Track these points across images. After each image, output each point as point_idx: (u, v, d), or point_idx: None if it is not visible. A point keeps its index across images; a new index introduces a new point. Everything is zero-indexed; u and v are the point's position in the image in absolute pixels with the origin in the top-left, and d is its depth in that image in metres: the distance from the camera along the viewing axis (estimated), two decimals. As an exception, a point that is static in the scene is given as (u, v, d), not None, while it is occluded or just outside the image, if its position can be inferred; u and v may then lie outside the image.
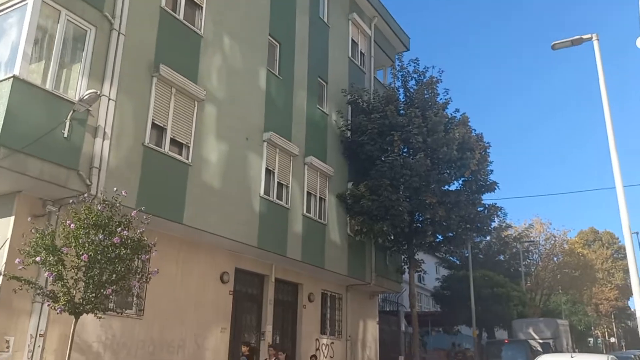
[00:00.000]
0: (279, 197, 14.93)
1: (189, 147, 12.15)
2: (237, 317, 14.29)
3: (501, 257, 39.37)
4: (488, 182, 18.02)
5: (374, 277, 18.86)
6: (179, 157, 11.93)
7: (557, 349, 27.21)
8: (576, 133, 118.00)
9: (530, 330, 28.88)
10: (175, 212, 11.45)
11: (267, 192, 14.38)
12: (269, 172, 14.64)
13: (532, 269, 41.66)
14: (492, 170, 18.14)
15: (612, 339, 76.06)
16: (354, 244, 17.97)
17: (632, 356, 23.04)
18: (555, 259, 44.65)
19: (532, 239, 40.57)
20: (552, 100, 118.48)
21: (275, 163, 14.84)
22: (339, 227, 17.39)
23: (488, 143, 17.83)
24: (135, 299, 10.80)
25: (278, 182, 14.88)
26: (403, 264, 19.05)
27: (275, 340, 15.82)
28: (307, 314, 16.76)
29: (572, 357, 10.64)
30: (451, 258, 36.72)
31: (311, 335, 16.82)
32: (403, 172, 16.32)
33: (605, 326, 73.76)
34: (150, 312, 11.41)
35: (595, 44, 13.19)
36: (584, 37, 13.33)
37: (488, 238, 38.07)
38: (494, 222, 18.39)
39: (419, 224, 17.50)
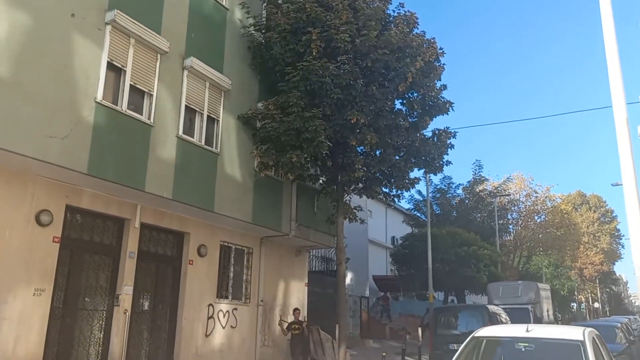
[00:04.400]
0: (136, 108, 10.61)
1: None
2: (71, 274, 10.13)
3: (477, 216, 35.50)
4: (440, 101, 13.72)
5: (294, 227, 14.71)
6: None
7: (537, 316, 23.48)
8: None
9: (507, 295, 25.03)
10: None
11: (110, 97, 10.05)
12: (116, 70, 10.28)
13: (510, 228, 37.85)
14: (445, 86, 13.82)
15: (596, 305, 73.70)
16: (264, 184, 13.75)
17: (619, 324, 18.99)
18: (537, 217, 40.80)
19: (510, 195, 36.61)
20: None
21: (128, 59, 10.43)
22: (241, 159, 13.11)
23: (442, 50, 13.45)
24: None
25: (133, 86, 10.51)
26: (333, 210, 14.72)
27: (143, 306, 11.74)
28: (195, 272, 12.63)
29: (528, 330, 6.64)
30: (417, 213, 32.78)
31: (201, 300, 12.72)
32: (321, 82, 11.98)
33: (589, 291, 71.04)
34: None
35: None
36: None
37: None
38: (447, 154, 14.08)
39: (344, 155, 13.18)
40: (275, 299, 15.36)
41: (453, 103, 13.98)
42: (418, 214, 32.81)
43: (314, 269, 21.39)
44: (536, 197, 39.99)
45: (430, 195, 34.56)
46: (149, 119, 10.69)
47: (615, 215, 72.56)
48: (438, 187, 34.31)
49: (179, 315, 12.20)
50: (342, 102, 12.32)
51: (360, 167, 12.68)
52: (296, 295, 16.35)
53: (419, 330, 27.61)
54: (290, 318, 15.21)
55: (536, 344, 6.53)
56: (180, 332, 12.10)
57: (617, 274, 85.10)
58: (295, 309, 14.71)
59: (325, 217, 15.57)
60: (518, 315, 19.45)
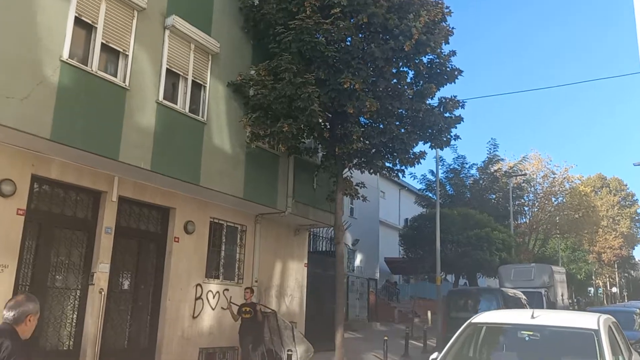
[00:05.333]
0: (109, 69, 9.71)
1: None
2: (39, 250, 9.35)
3: (492, 197, 34.27)
4: (447, 69, 12.62)
5: (290, 204, 13.80)
6: None
7: (551, 300, 22.42)
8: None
9: (519, 278, 23.93)
10: None
11: (78, 56, 9.15)
12: (85, 26, 9.36)
13: (527, 209, 36.50)
14: (454, 52, 12.68)
15: (614, 289, 72.16)
16: (257, 157, 12.84)
17: (637, 310, 17.87)
18: (554, 199, 39.36)
19: (526, 174, 35.18)
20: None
21: (99, 14, 9.49)
22: (231, 130, 12.19)
23: (448, 8, 12.27)
24: None
25: (106, 45, 9.60)
26: (333, 186, 13.72)
27: (122, 286, 10.97)
28: (181, 250, 11.81)
29: (533, 316, 5.68)
30: (429, 194, 31.68)
31: (188, 280, 11.92)
32: (314, 43, 10.96)
33: (607, 275, 69.46)
34: None
35: None
36: None
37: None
38: (455, 127, 12.98)
39: (343, 126, 12.15)
40: (271, 280, 14.52)
41: (462, 71, 12.86)
42: (430, 195, 31.66)
43: (319, 249, 20.52)
44: (554, 178, 38.55)
45: (442, 175, 33.51)
46: (124, 81, 9.77)
47: (636, 199, 70.71)
48: (451, 167, 33.12)
49: (163, 295, 11.41)
50: (338, 65, 11.27)
51: (358, 137, 11.64)
52: (294, 276, 15.51)
53: (428, 313, 26.90)
54: (291, 301, 14.41)
55: (543, 332, 5.58)
56: (164, 314, 11.32)
57: (637, 259, 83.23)
58: (247, 288, 12.31)
59: (325, 194, 14.64)
60: (530, 300, 18.45)
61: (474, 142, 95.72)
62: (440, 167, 33.15)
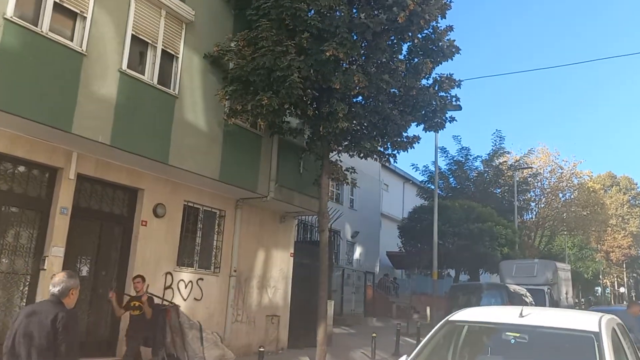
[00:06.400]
0: (62, 31, 8.76)
1: None
2: (-20, 230, 8.46)
3: (497, 191, 33.17)
4: (444, 45, 11.56)
5: (273, 188, 12.84)
6: None
7: (554, 298, 21.38)
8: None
9: (521, 274, 22.87)
10: None
11: (27, 15, 8.21)
12: (33, -19, 8.43)
13: (533, 205, 35.33)
14: (451, 27, 11.61)
15: (622, 289, 70.82)
16: (237, 136, 11.88)
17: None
18: (561, 195, 38.12)
19: (532, 168, 34.00)
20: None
21: (52, -30, 8.56)
22: (207, 105, 11.22)
23: (446, -24, 11.21)
24: None
25: (59, 4, 8.64)
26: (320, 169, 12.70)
27: (81, 272, 10.08)
28: (149, 235, 10.88)
29: (522, 314, 4.68)
30: (431, 186, 30.58)
31: (157, 267, 10.99)
32: (295, 9, 9.94)
33: (615, 275, 68.09)
34: None
35: None
36: None
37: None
38: (451, 108, 11.94)
39: (329, 103, 11.10)
40: (252, 270, 13.59)
41: (460, 48, 11.81)
42: (432, 187, 30.62)
43: (310, 239, 19.55)
44: (561, 173, 37.29)
45: (446, 167, 32.44)
46: (80, 46, 8.82)
47: (646, 198, 69.29)
48: (455, 158, 32.04)
49: (127, 283, 10.48)
50: (323, 34, 10.25)
51: (344, 115, 10.61)
52: (279, 266, 14.56)
53: (427, 309, 25.90)
54: (274, 293, 13.47)
55: (532, 334, 4.59)
56: (128, 303, 10.39)
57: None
58: (137, 277, 9.18)
59: (313, 179, 13.64)
60: (532, 297, 17.49)
61: (479, 134, 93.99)
62: (443, 159, 32.17)
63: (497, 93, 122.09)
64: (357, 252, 32.28)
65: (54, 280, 4.37)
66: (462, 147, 31.98)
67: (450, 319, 5.27)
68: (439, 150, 31.18)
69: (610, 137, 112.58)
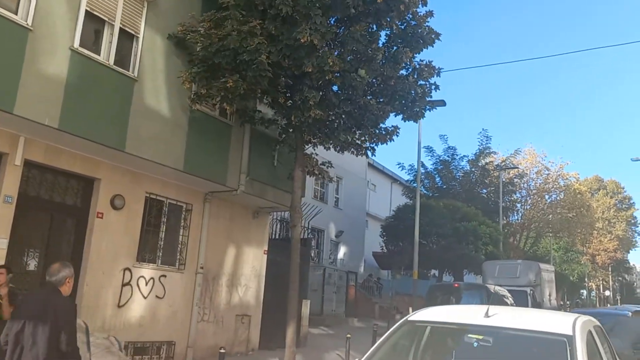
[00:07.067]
0: (6, 4, 8.05)
1: None
2: None
3: (483, 192, 32.73)
4: (423, 31, 10.97)
5: (244, 182, 12.18)
6: None
7: (537, 300, 20.88)
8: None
9: (504, 275, 22.36)
10: None
11: (-38, -17, 7.53)
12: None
13: (519, 206, 34.94)
14: (431, 13, 11.03)
15: (607, 292, 70.85)
16: (203, 125, 11.23)
17: (629, 314, 16.24)
18: (547, 197, 37.74)
19: (518, 169, 33.60)
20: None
21: None
22: (171, 90, 10.54)
23: (425, -41, 10.63)
24: None
25: (0, -27, 7.96)
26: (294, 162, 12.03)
27: (27, 266, 9.36)
28: (105, 228, 10.17)
29: (488, 314, 4.06)
30: (416, 185, 30.04)
31: (114, 263, 10.29)
32: (263, -12, 9.31)
33: (600, 278, 68.05)
34: None
35: None
36: None
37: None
38: (430, 96, 11.37)
39: (299, 89, 10.44)
40: (221, 267, 12.92)
41: (440, 34, 11.25)
42: (417, 186, 30.10)
43: (288, 236, 18.90)
44: (547, 174, 36.93)
45: (432, 166, 31.95)
46: (25, 20, 8.13)
47: (633, 202, 69.41)
48: (441, 157, 31.54)
49: (80, 279, 9.78)
50: (295, 16, 9.61)
51: (315, 103, 9.98)
52: (251, 263, 13.91)
53: (409, 310, 25.36)
54: (245, 291, 12.81)
55: (497, 337, 3.99)
56: (80, 301, 9.64)
57: (631, 263, 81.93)
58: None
59: (288, 173, 13.00)
60: (514, 299, 16.97)
61: (466, 134, 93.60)
62: (429, 158, 31.69)
63: (484, 88, 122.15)
64: (342, 251, 31.71)
65: (50, 269, 4.63)
66: (449, 147, 31.59)
67: (409, 319, 4.68)
68: (424, 149, 30.82)
69: (598, 141, 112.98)
